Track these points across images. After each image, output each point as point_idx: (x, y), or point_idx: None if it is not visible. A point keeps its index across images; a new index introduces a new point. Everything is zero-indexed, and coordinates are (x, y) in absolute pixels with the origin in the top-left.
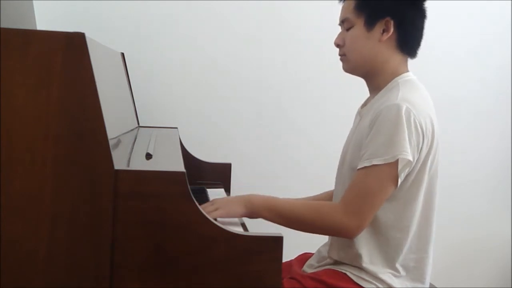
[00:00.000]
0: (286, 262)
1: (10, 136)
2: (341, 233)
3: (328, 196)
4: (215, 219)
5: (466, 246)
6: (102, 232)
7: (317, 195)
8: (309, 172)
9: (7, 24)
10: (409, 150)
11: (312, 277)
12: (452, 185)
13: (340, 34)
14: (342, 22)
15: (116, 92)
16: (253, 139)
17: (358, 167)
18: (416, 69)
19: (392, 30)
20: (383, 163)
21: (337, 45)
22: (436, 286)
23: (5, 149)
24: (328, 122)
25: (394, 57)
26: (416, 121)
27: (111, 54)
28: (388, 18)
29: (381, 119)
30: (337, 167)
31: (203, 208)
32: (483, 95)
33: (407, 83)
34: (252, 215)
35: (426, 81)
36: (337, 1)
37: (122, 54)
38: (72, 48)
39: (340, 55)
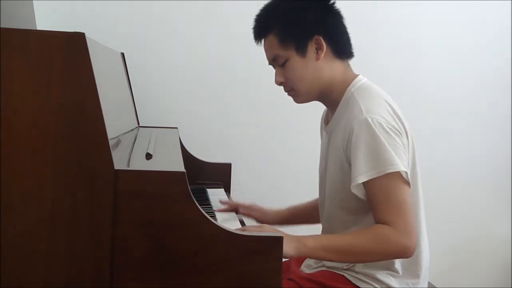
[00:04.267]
0: (284, 262)
1: (10, 136)
2: (404, 255)
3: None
4: (215, 219)
5: (466, 246)
6: (102, 232)
7: (308, 203)
8: (310, 172)
9: (7, 24)
10: (397, 161)
11: (310, 279)
12: (452, 185)
13: (277, 72)
14: (273, 60)
15: (116, 92)
16: (253, 139)
17: (361, 182)
18: (417, 68)
19: (324, 44)
20: (369, 178)
21: (280, 84)
22: (436, 286)
23: (5, 149)
24: None
25: (336, 67)
26: (389, 126)
27: (111, 54)
28: (316, 36)
29: (355, 138)
30: (318, 182)
31: (252, 231)
32: (484, 94)
33: (361, 90)
34: (302, 255)
35: (426, 80)
36: (255, 42)
37: (122, 54)
38: (72, 48)
39: (287, 91)
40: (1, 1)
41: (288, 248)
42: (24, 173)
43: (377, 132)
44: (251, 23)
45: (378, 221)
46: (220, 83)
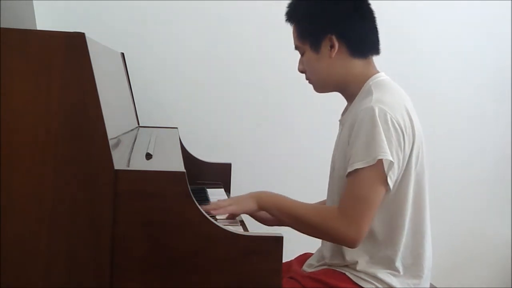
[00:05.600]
0: (285, 262)
1: (10, 136)
2: (342, 242)
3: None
4: (215, 219)
5: (466, 246)
6: (102, 232)
7: (316, 204)
8: (310, 172)
9: (7, 24)
10: (388, 151)
11: (312, 277)
12: (452, 185)
13: (300, 60)
14: (296, 48)
15: (116, 92)
16: (253, 139)
17: (346, 174)
18: (417, 69)
19: (337, 44)
20: (364, 166)
21: (301, 71)
22: (436, 286)
23: (5, 149)
24: (329, 122)
25: (353, 64)
26: (393, 120)
27: (111, 54)
28: (329, 35)
29: (358, 124)
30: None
31: (215, 204)
32: (484, 94)
33: (379, 84)
34: (261, 210)
35: (426, 80)
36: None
37: (122, 54)
38: (72, 48)
39: (307, 79)
40: (1, 1)
41: (249, 204)
42: (24, 173)
43: (378, 121)
44: (251, 24)
45: (339, 204)
46: (220, 83)
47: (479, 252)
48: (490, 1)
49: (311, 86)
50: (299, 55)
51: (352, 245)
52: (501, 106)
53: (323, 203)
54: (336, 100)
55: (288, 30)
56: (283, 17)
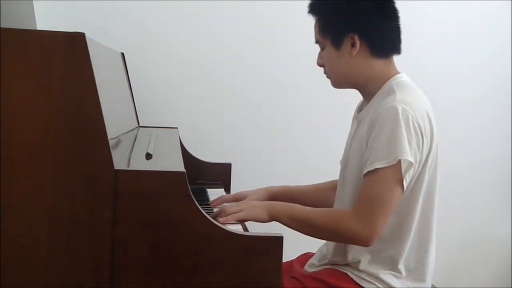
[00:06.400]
0: (286, 262)
1: (11, 136)
2: (356, 241)
3: (333, 185)
4: (216, 219)
5: (467, 247)
6: (102, 232)
7: (323, 183)
8: (310, 172)
9: (7, 24)
10: (409, 151)
11: (313, 277)
12: (452, 186)
13: (319, 53)
14: (316, 42)
15: (116, 92)
16: (253, 139)
17: (363, 173)
18: (418, 69)
19: (359, 43)
20: (385, 166)
21: (320, 65)
22: (437, 287)
23: (5, 148)
24: (330, 122)
25: (373, 64)
26: (414, 122)
27: (111, 54)
28: (351, 34)
29: (380, 123)
30: (339, 171)
31: (227, 208)
32: (484, 96)
33: (401, 85)
34: (272, 220)
35: (427, 80)
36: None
37: (122, 54)
38: (72, 48)
39: (325, 73)
40: (1, 1)
41: (260, 213)
42: (24, 173)
43: (401, 121)
44: (251, 24)
45: (354, 202)
46: (220, 83)
47: (479, 253)
48: (490, 1)
49: (311, 86)
50: (299, 56)
51: (365, 243)
52: (501, 107)
53: (332, 184)
54: (337, 100)
55: (288, 30)
56: (283, 17)
